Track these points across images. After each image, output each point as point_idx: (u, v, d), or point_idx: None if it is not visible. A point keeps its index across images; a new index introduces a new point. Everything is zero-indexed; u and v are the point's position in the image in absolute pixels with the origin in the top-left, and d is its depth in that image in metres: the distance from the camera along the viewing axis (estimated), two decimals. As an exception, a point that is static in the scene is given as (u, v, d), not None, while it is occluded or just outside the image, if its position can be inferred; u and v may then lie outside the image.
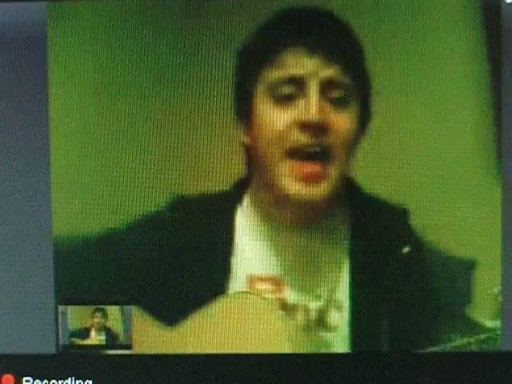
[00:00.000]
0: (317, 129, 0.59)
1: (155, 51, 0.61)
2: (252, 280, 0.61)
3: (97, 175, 0.61)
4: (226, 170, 0.61)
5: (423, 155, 0.60)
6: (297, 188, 0.59)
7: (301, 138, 0.59)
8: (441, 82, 0.60)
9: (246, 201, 0.62)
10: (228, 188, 0.61)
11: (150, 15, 0.61)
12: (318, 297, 0.61)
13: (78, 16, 0.61)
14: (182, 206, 0.61)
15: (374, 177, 0.60)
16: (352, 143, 0.60)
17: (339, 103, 0.59)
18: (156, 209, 0.61)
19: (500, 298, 0.60)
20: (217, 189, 0.61)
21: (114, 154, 0.61)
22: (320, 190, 0.59)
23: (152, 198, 0.61)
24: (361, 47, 0.60)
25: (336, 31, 0.60)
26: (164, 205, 0.61)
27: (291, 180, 0.59)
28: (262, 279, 0.61)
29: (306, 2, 0.60)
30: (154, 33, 0.61)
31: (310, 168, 0.59)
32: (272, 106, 0.60)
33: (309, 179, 0.59)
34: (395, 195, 0.60)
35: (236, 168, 0.61)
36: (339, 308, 0.61)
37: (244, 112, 0.61)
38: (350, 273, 0.61)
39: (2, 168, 0.62)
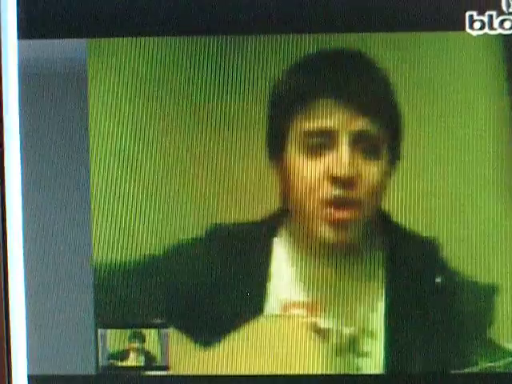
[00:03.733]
0: (347, 181, 0.61)
1: (194, 86, 0.63)
2: (287, 305, 0.64)
3: (135, 204, 0.64)
4: (261, 201, 0.63)
5: (448, 188, 0.63)
6: (327, 233, 0.62)
7: (332, 190, 0.61)
8: (464, 117, 0.62)
9: (283, 230, 0.64)
10: (264, 218, 0.64)
11: (187, 52, 0.63)
12: (352, 324, 0.64)
13: (117, 52, 0.64)
14: (219, 234, 0.64)
15: (404, 209, 0.63)
16: (382, 187, 0.62)
17: (370, 153, 0.62)
18: (193, 236, 0.64)
19: (521, 322, 0.63)
20: (254, 218, 0.64)
21: (153, 184, 0.64)
22: (349, 234, 0.63)
23: (189, 226, 0.64)
24: (389, 89, 0.62)
25: (367, 80, 0.62)
26: (201, 233, 0.64)
27: (322, 225, 0.62)
28: (296, 304, 0.64)
29: (339, 45, 0.62)
30: (192, 69, 0.63)
31: (340, 215, 0.62)
32: (303, 155, 0.62)
33: (338, 225, 0.62)
34: (425, 227, 0.63)
35: (271, 201, 0.63)
36: (373, 335, 0.64)
37: (277, 154, 0.63)
38: (384, 301, 0.63)
39: (45, 199, 0.65)
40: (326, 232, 0.62)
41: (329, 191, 0.62)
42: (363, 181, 0.61)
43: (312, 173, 0.62)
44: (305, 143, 0.62)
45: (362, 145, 0.61)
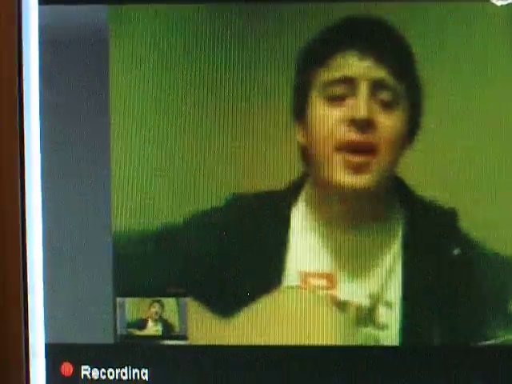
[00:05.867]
0: (363, 126, 0.62)
1: (214, 54, 0.63)
2: (305, 276, 0.64)
3: (155, 173, 0.64)
4: (282, 169, 0.63)
5: (471, 156, 0.62)
6: (343, 178, 0.63)
7: (348, 134, 0.62)
8: (488, 84, 0.62)
9: (301, 199, 0.65)
10: (284, 187, 0.64)
11: (209, 19, 0.63)
12: (370, 294, 0.64)
13: (138, 19, 0.63)
14: (238, 203, 0.63)
15: (424, 178, 0.63)
16: (399, 143, 0.63)
17: (388, 105, 0.62)
18: (212, 205, 0.64)
19: (543, 294, 0.63)
20: (273, 187, 0.63)
21: (173, 152, 0.64)
22: (365, 181, 0.63)
23: (209, 195, 0.64)
24: (411, 53, 0.62)
25: (388, 38, 0.63)
26: (220, 202, 0.64)
27: (338, 171, 0.63)
28: (314, 275, 0.64)
29: (362, 12, 0.63)
30: (213, 37, 0.63)
31: (356, 159, 0.62)
32: (324, 104, 0.63)
33: (354, 170, 0.63)
34: (444, 196, 0.62)
35: (292, 167, 0.63)
36: (390, 306, 0.63)
37: (300, 111, 0.64)
38: (401, 271, 0.63)
39: (64, 165, 0.64)
40: (342, 178, 0.63)
41: (345, 135, 0.62)
42: (379, 128, 0.62)
43: (331, 119, 0.63)
44: (327, 94, 0.63)
45: (381, 95, 0.62)
